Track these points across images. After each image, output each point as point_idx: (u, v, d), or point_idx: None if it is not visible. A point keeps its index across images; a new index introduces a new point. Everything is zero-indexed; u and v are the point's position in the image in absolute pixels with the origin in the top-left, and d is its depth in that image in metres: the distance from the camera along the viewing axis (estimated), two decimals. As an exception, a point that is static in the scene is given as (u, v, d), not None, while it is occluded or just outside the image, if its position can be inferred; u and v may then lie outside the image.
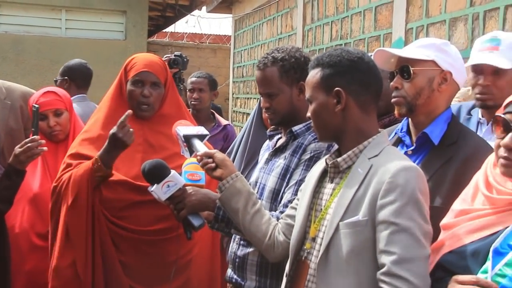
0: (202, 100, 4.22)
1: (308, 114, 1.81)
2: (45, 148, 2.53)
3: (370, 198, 1.63)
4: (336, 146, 1.86)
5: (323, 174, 1.84)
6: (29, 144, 2.47)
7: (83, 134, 2.65)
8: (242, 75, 9.83)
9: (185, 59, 4.04)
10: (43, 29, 9.26)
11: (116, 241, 2.49)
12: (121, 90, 2.63)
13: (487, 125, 2.34)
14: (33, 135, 2.53)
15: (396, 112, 2.01)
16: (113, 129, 2.39)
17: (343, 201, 1.69)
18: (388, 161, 1.65)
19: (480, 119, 2.41)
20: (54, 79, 4.26)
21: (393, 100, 2.01)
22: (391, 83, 2.02)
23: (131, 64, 2.61)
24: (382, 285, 1.56)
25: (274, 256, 1.90)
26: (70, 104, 3.07)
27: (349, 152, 1.75)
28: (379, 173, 1.64)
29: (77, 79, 4.14)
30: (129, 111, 2.42)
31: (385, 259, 1.57)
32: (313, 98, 1.79)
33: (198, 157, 2.02)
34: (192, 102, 4.20)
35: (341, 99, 1.74)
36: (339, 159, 1.76)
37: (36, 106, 2.61)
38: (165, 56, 3.95)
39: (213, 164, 1.98)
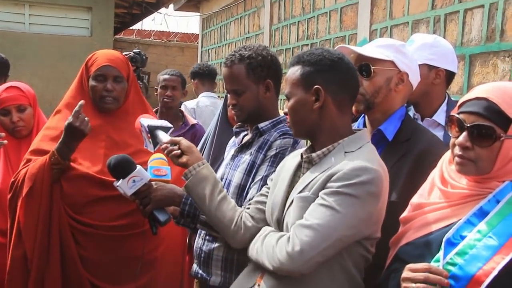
0: (174, 98, 4.22)
1: (285, 109, 1.84)
2: (5, 142, 2.50)
3: (323, 179, 1.70)
4: (302, 142, 1.90)
5: (298, 168, 1.88)
6: None
7: (45, 131, 2.63)
8: (210, 73, 9.82)
9: (143, 57, 4.02)
10: (5, 24, 9.08)
11: (77, 237, 2.46)
12: (82, 86, 2.60)
13: (421, 121, 2.47)
14: None
15: (353, 108, 2.07)
16: (69, 119, 2.36)
17: (305, 179, 1.77)
18: (356, 158, 1.71)
19: (415, 114, 2.51)
20: None
21: None
22: None
23: (92, 59, 2.60)
24: (280, 235, 1.70)
25: (239, 242, 1.93)
26: (34, 99, 3.03)
27: (324, 149, 1.80)
28: (342, 164, 1.70)
29: None
30: (82, 101, 2.39)
31: (299, 221, 1.67)
32: (291, 94, 1.82)
33: (164, 145, 2.02)
34: (165, 100, 4.19)
35: (319, 97, 1.78)
36: (313, 154, 1.81)
37: None
38: (123, 53, 3.92)
39: (179, 151, 1.99)
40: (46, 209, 2.43)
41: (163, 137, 2.07)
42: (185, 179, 1.98)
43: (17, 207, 2.48)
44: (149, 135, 2.10)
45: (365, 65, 2.05)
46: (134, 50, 3.91)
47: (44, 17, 9.29)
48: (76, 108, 2.37)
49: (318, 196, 1.69)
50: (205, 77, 5.07)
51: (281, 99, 5.59)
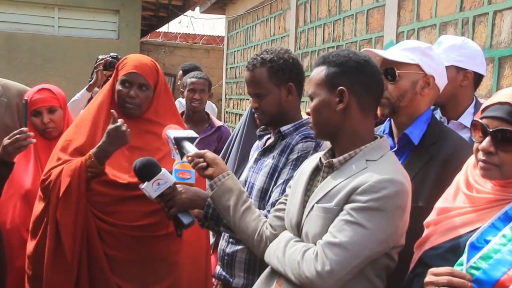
0: (202, 101, 4.20)
1: (308, 110, 1.82)
2: (33, 140, 2.54)
3: (348, 190, 1.67)
4: (324, 145, 1.88)
5: (314, 172, 1.87)
6: (17, 136, 2.48)
7: (73, 128, 2.65)
8: (235, 76, 9.86)
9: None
10: (35, 27, 9.26)
11: (102, 236, 2.48)
12: (112, 89, 2.63)
13: (447, 123, 2.43)
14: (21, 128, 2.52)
15: (378, 112, 2.04)
16: (113, 125, 2.39)
17: (325, 186, 1.75)
18: (381, 169, 1.68)
19: (441, 117, 2.48)
20: None
21: None
22: None
23: (123, 64, 2.62)
24: (305, 249, 1.67)
25: (261, 252, 1.93)
26: (64, 101, 3.09)
27: (345, 155, 1.77)
28: (367, 175, 1.67)
29: None
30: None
31: (325, 236, 1.65)
32: (315, 95, 1.80)
33: (189, 158, 2.04)
34: (193, 104, 4.17)
35: (343, 98, 1.76)
36: (334, 160, 1.79)
37: (25, 99, 2.61)
38: (101, 58, 3.91)
39: (204, 163, 2.01)
40: (80, 211, 2.44)
41: (190, 148, 2.09)
42: (210, 190, 2.01)
43: (47, 207, 2.50)
44: (175, 146, 2.12)
45: (390, 69, 2.02)
46: (112, 54, 3.86)
47: (72, 20, 9.45)
48: (121, 120, 2.40)
49: (342, 208, 1.67)
50: None
51: (305, 102, 5.58)
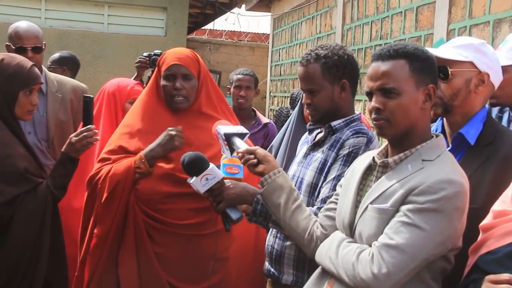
0: (248, 97, 4.20)
1: (376, 104, 1.72)
2: (98, 138, 2.59)
3: (404, 191, 1.64)
4: (376, 141, 1.83)
5: (367, 171, 1.84)
6: (85, 133, 2.52)
7: (122, 129, 2.68)
8: (280, 73, 9.85)
9: None
10: (86, 24, 9.48)
11: (151, 234, 2.50)
12: (157, 86, 2.65)
13: None
14: (84, 125, 2.57)
15: (431, 112, 2.00)
16: (172, 130, 2.46)
17: (379, 187, 1.71)
18: (438, 169, 1.65)
19: (511, 116, 2.40)
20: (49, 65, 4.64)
21: None
22: None
23: (163, 59, 2.63)
24: (360, 250, 1.64)
25: (312, 251, 1.92)
26: None
27: (401, 154, 1.74)
28: (424, 175, 1.64)
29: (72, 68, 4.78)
30: (181, 127, 2.51)
31: (381, 238, 1.61)
32: (401, 91, 1.70)
33: (240, 154, 2.04)
34: (239, 100, 4.18)
35: (432, 96, 1.73)
36: (389, 160, 1.75)
37: (90, 96, 2.66)
38: (145, 55, 3.93)
39: (255, 160, 2.00)
40: (122, 211, 2.49)
41: (240, 144, 2.09)
42: (261, 187, 2.00)
43: (93, 205, 2.56)
44: (225, 142, 2.12)
45: (442, 67, 1.96)
46: (155, 51, 3.87)
47: (121, 17, 9.63)
48: (180, 127, 2.49)
49: (398, 209, 1.64)
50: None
51: (362, 100, 5.52)
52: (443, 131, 2.06)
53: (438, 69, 1.96)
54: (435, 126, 2.12)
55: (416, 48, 1.75)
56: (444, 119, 2.07)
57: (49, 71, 3.84)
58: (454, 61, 1.97)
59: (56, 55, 4.88)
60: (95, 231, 2.54)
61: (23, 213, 2.44)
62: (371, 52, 6.02)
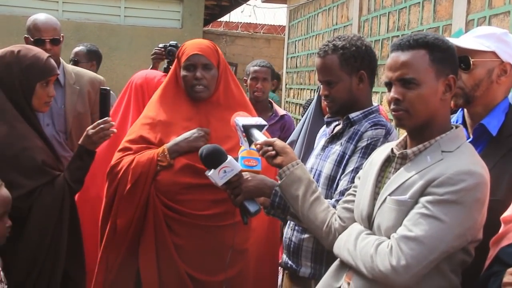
0: (265, 89, 4.17)
1: (395, 95, 1.71)
2: (115, 130, 2.59)
3: (423, 182, 1.62)
4: (394, 133, 1.81)
5: (385, 163, 1.82)
6: (102, 126, 2.53)
7: (142, 119, 2.70)
8: (296, 65, 9.81)
9: None
10: (103, 17, 9.50)
11: (171, 224, 2.52)
12: (176, 77, 2.67)
13: None
14: (100, 118, 2.58)
15: (452, 103, 1.98)
16: (202, 131, 2.50)
17: (398, 179, 1.70)
18: (458, 160, 1.63)
19: None
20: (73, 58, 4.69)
21: None
22: None
23: (182, 50, 2.65)
24: (378, 242, 1.63)
25: (330, 243, 1.91)
26: None
27: (420, 146, 1.72)
28: (444, 166, 1.62)
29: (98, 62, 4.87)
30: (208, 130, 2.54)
31: (400, 230, 1.60)
32: (421, 81, 1.68)
33: (258, 146, 2.04)
34: (256, 93, 4.15)
35: (452, 87, 1.71)
36: (408, 151, 1.74)
37: (107, 88, 2.67)
38: (161, 46, 3.91)
39: (273, 152, 2.00)
40: (144, 203, 2.51)
41: (258, 136, 2.09)
42: (279, 179, 1.99)
43: (114, 195, 2.57)
44: (244, 134, 2.12)
45: (464, 57, 1.93)
46: (171, 43, 3.85)
47: (138, 9, 9.65)
48: (208, 129, 2.53)
49: (417, 201, 1.62)
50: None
51: (379, 92, 5.48)
52: (463, 122, 2.04)
53: (460, 60, 1.93)
54: (455, 117, 2.09)
55: (436, 38, 1.73)
56: (465, 110, 2.04)
57: (75, 65, 3.87)
58: (476, 51, 1.94)
59: (83, 48, 4.85)
60: (118, 222, 2.56)
61: (41, 206, 2.46)
62: (388, 43, 5.97)
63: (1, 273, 2.21)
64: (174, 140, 2.52)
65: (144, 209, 2.51)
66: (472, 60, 1.94)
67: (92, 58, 4.81)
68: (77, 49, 4.86)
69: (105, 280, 2.61)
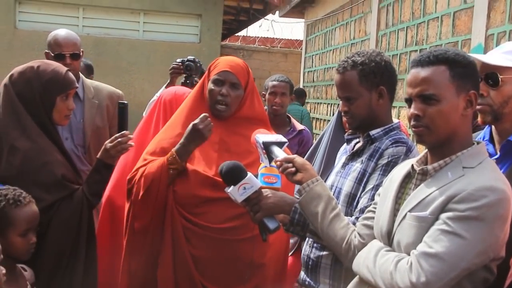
0: (283, 104, 4.17)
1: (416, 111, 1.69)
2: (133, 144, 2.60)
3: (444, 198, 1.60)
4: (415, 150, 1.79)
5: (405, 179, 1.80)
6: (119, 139, 2.53)
7: (164, 131, 2.72)
8: (313, 80, 9.82)
9: (198, 64, 3.95)
10: (122, 32, 9.63)
11: (188, 236, 2.52)
12: (202, 91, 2.69)
13: None
14: (119, 131, 2.59)
15: (479, 119, 1.95)
16: (195, 121, 2.48)
17: (418, 195, 1.68)
18: (480, 176, 1.61)
19: None
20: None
21: (477, 107, 1.95)
22: None
23: (215, 64, 2.68)
24: (398, 259, 1.61)
25: (349, 260, 1.89)
26: None
27: (441, 162, 1.70)
28: (465, 182, 1.60)
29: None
30: (205, 114, 2.51)
31: (420, 246, 1.58)
32: (441, 97, 1.66)
33: (278, 163, 2.03)
34: (274, 107, 4.14)
35: (473, 103, 1.69)
36: (429, 167, 1.72)
37: (125, 102, 2.69)
38: (179, 61, 3.93)
39: (293, 169, 1.99)
40: (161, 209, 2.52)
41: (278, 153, 2.08)
42: (299, 195, 1.99)
43: (133, 204, 2.58)
44: (264, 151, 2.11)
45: (492, 74, 1.91)
46: (189, 57, 3.87)
47: (157, 24, 9.75)
48: (204, 114, 2.49)
49: (437, 217, 1.60)
50: None
51: (397, 106, 5.45)
52: (491, 139, 2.01)
53: (488, 76, 1.92)
54: (482, 134, 2.07)
55: (457, 53, 1.71)
56: (493, 126, 2.01)
57: None
58: (504, 68, 1.92)
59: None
60: (135, 226, 2.57)
61: (60, 220, 2.47)
62: (406, 58, 5.94)
63: None
64: (180, 142, 2.53)
65: (161, 216, 2.52)
66: (501, 76, 1.92)
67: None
68: None
69: (129, 285, 2.63)
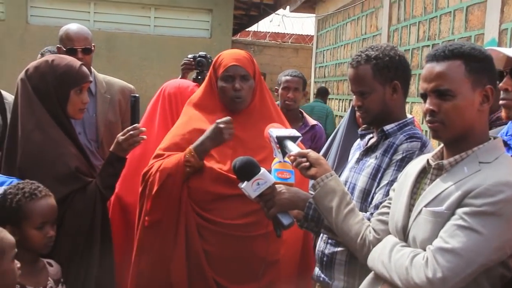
0: (296, 99, 4.16)
1: (431, 107, 1.68)
2: (144, 137, 2.60)
3: (460, 193, 1.59)
4: (430, 145, 1.78)
5: (421, 174, 1.79)
6: (131, 132, 2.54)
7: (177, 127, 2.72)
8: (324, 75, 9.79)
9: (209, 60, 3.88)
10: (133, 27, 9.65)
11: (202, 232, 2.52)
12: (211, 88, 2.68)
13: None
14: (131, 125, 2.59)
15: (503, 114, 1.92)
16: (219, 121, 2.48)
17: (434, 189, 1.67)
18: (496, 171, 1.59)
19: None
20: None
21: (501, 102, 1.93)
22: (500, 84, 1.93)
23: (219, 61, 2.66)
24: (414, 254, 1.60)
25: (364, 256, 1.88)
26: None
27: (457, 156, 1.69)
28: (481, 177, 1.59)
29: None
30: (230, 118, 2.52)
31: (436, 242, 1.57)
32: (457, 92, 1.65)
33: (292, 157, 2.02)
34: (287, 102, 4.13)
35: (489, 98, 1.67)
36: (444, 162, 1.70)
37: (137, 96, 2.70)
38: (190, 56, 3.93)
39: (307, 163, 1.98)
40: (173, 205, 2.52)
41: (292, 147, 2.06)
42: (313, 190, 1.97)
43: (145, 199, 2.59)
44: (277, 145, 2.10)
45: None
46: (200, 53, 3.85)
47: (168, 19, 9.76)
48: (229, 118, 2.50)
49: (453, 212, 1.59)
50: None
51: (409, 102, 5.43)
52: None
53: None
54: (505, 129, 2.05)
55: (472, 48, 1.69)
56: None
57: None
58: None
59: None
60: (146, 223, 2.58)
61: (74, 212, 2.49)
62: (418, 53, 5.91)
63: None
64: (199, 139, 2.53)
65: (175, 212, 2.52)
66: None
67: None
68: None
69: (138, 285, 2.63)
